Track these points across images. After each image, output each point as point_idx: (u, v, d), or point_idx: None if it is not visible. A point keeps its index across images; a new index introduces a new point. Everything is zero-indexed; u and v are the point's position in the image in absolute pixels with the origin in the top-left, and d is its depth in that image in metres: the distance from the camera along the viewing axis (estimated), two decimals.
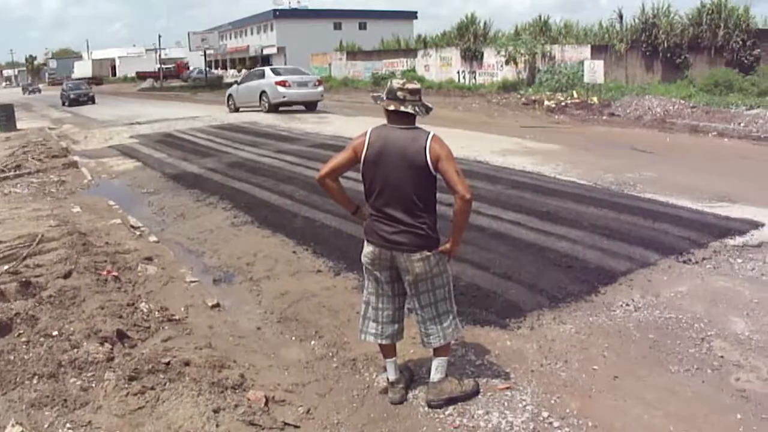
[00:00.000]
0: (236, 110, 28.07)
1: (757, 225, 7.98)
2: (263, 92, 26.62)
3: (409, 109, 3.97)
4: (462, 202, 3.89)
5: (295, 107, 26.77)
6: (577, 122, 21.13)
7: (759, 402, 4.20)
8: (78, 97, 42.35)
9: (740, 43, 26.96)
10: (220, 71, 76.18)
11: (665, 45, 28.62)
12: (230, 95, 29.23)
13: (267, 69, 29.05)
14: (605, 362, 4.77)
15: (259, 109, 26.79)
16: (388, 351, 4.39)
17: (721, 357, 4.79)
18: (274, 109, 26.11)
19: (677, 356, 4.82)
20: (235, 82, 31.58)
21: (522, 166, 12.45)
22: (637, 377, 4.55)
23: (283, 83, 26.03)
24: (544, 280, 6.26)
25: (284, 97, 26.00)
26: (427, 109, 4.09)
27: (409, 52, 44.11)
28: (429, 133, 3.98)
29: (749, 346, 4.95)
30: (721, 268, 6.66)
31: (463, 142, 14.88)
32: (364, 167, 4.08)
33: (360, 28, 68.09)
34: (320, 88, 27.40)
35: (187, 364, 4.63)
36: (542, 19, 36.66)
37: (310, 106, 26.97)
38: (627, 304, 5.76)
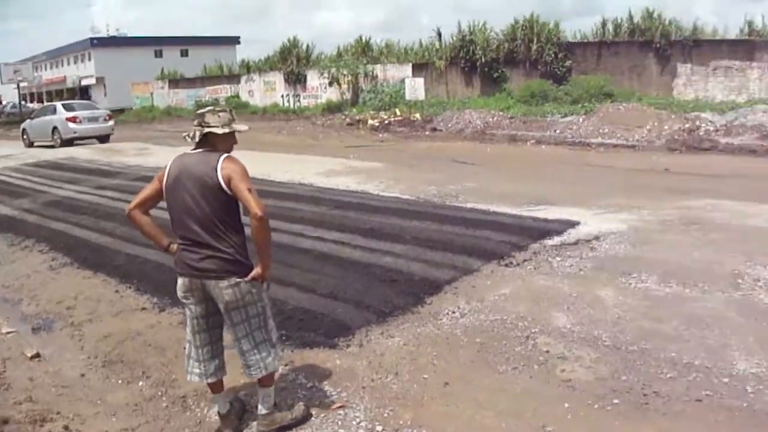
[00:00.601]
0: (31, 145, 28.00)
1: (573, 224, 8.40)
2: (55, 128, 26.82)
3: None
4: (256, 221, 3.73)
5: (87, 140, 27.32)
6: (401, 139, 21.65)
7: (584, 389, 4.34)
8: None
9: (553, 55, 28.78)
10: (36, 105, 71.82)
11: (483, 60, 29.98)
12: (24, 129, 29.00)
13: (58, 104, 29.02)
14: (435, 370, 4.77)
15: (52, 143, 26.79)
16: (216, 387, 4.20)
17: (546, 351, 4.93)
18: (66, 143, 26.32)
19: (504, 356, 4.91)
20: (30, 116, 30.40)
21: (346, 185, 12.52)
22: (467, 381, 4.58)
23: (73, 119, 26.57)
24: (370, 296, 6.22)
25: (75, 132, 26.57)
26: (197, 133, 3.95)
27: (233, 77, 43.81)
28: (222, 153, 3.88)
29: (572, 338, 5.14)
30: (541, 267, 6.90)
31: (288, 165, 14.87)
32: (166, 195, 3.93)
33: (182, 55, 66.35)
34: (111, 123, 28.16)
35: (5, 422, 4.27)
36: (364, 39, 37.39)
37: (103, 139, 27.43)
38: (453, 312, 5.82)
